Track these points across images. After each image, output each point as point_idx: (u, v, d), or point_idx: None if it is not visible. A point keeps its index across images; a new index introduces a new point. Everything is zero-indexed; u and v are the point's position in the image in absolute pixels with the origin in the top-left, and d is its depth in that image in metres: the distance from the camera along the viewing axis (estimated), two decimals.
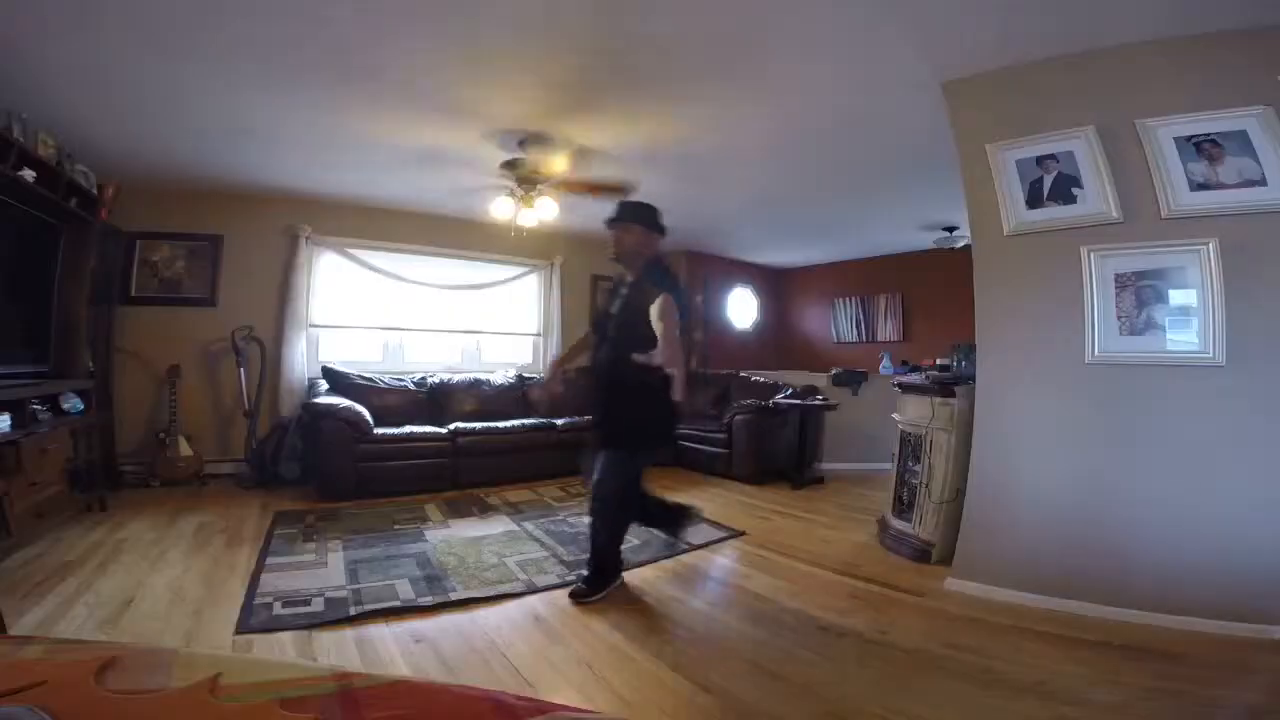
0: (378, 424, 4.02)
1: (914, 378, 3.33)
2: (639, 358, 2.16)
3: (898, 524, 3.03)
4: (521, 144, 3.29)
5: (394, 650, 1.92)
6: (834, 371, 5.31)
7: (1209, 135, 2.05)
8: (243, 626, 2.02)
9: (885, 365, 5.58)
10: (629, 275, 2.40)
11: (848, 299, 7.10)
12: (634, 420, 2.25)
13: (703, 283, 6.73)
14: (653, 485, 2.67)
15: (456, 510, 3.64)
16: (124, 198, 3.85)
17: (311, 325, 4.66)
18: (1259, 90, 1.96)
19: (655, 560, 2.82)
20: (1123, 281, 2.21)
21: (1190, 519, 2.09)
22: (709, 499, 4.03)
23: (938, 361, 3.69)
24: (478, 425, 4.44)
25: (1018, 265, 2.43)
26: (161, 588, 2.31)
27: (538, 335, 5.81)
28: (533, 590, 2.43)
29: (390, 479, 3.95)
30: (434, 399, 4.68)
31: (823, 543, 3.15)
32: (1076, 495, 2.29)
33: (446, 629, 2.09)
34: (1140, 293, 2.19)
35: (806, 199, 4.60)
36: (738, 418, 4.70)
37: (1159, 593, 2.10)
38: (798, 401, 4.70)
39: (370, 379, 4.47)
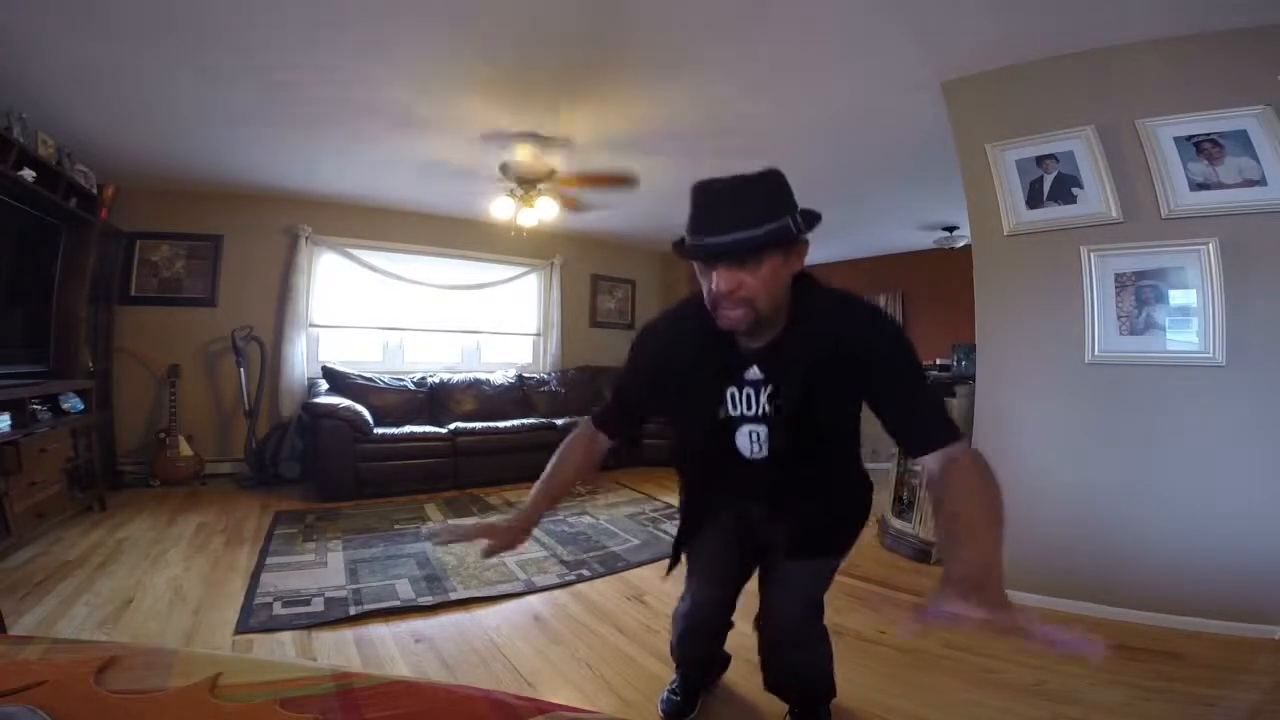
0: (378, 424, 4.02)
1: None
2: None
3: (898, 524, 3.03)
4: (512, 144, 3.30)
5: (394, 650, 1.92)
6: None
7: (1209, 135, 2.05)
8: (242, 626, 2.02)
9: None
10: (773, 325, 1.10)
11: None
12: (846, 515, 1.33)
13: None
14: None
15: (456, 510, 3.64)
16: (124, 198, 3.86)
17: (311, 325, 4.66)
18: (1259, 90, 1.96)
19: (655, 560, 2.81)
20: (1123, 281, 2.21)
21: (1190, 519, 2.09)
22: None
23: (938, 361, 3.69)
24: (478, 425, 4.44)
25: (1018, 265, 2.43)
26: (161, 587, 2.31)
27: (537, 335, 5.81)
28: (533, 590, 2.43)
29: (390, 479, 3.95)
30: (434, 399, 4.68)
31: None
32: (1076, 495, 2.28)
33: (446, 629, 2.09)
34: (1140, 293, 2.19)
35: (805, 198, 4.53)
36: None
37: (1159, 593, 2.10)
38: None
39: (370, 379, 4.47)
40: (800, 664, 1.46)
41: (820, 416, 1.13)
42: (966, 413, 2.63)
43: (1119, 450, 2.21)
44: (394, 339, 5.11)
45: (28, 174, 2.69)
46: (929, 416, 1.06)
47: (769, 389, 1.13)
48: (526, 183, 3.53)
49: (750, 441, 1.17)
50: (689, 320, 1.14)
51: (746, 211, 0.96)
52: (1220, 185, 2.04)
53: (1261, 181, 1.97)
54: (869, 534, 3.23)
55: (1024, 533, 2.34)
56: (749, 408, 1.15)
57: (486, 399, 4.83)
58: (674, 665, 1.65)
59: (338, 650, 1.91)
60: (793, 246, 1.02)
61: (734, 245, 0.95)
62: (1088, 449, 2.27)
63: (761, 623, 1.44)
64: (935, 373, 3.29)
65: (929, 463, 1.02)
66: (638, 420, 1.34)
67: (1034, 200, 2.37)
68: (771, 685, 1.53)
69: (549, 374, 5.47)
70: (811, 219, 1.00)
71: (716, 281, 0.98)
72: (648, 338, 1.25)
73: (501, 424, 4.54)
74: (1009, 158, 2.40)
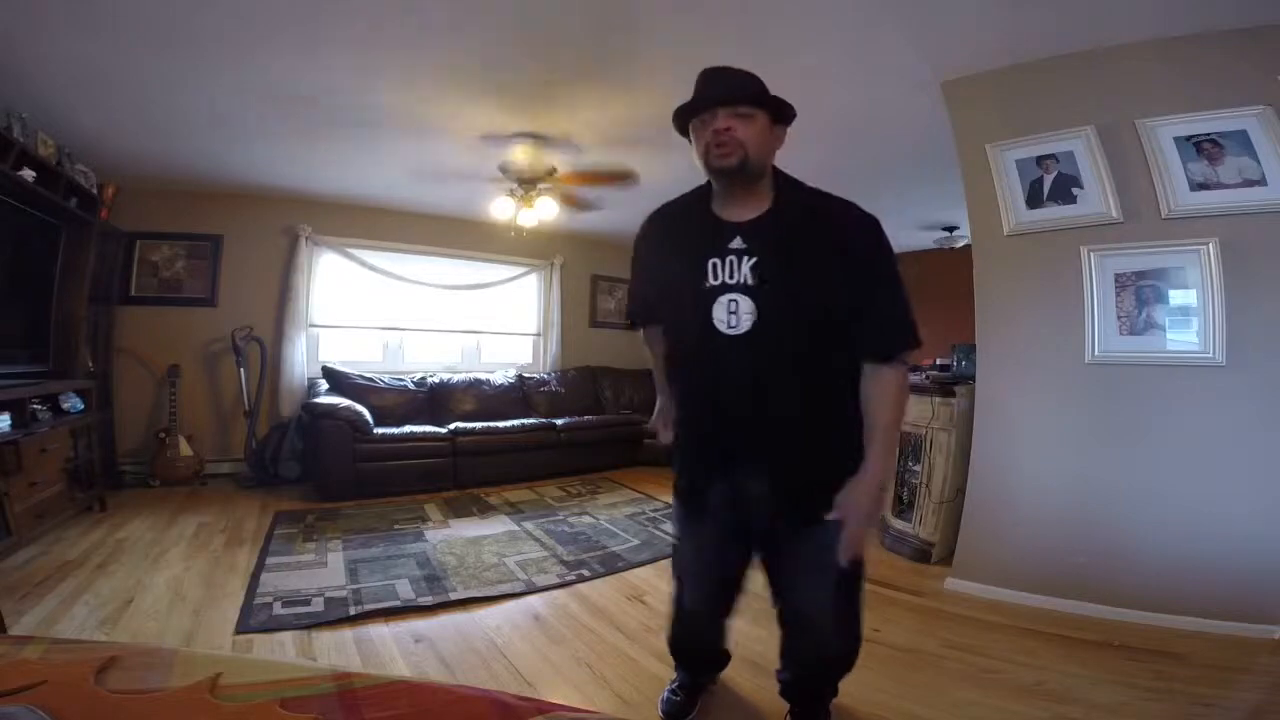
0: (378, 424, 4.02)
1: (914, 377, 3.34)
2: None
3: (898, 524, 3.03)
4: (511, 144, 3.30)
5: (394, 650, 1.93)
6: None
7: (1209, 135, 2.04)
8: (242, 626, 2.02)
9: None
10: (758, 202, 1.23)
11: None
12: (843, 453, 1.24)
13: None
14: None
15: (456, 510, 3.64)
16: (124, 198, 3.86)
17: (311, 325, 4.66)
18: (1259, 90, 1.96)
19: (655, 560, 2.81)
20: (1123, 281, 2.21)
21: (1190, 519, 2.09)
22: None
23: (938, 361, 3.69)
24: (478, 425, 4.44)
25: (1018, 265, 2.43)
26: (161, 588, 2.31)
27: (537, 335, 5.81)
28: (533, 590, 2.43)
29: (390, 479, 3.95)
30: (434, 399, 4.68)
31: None
32: (1076, 495, 2.28)
33: (446, 629, 2.09)
34: (1140, 293, 2.19)
35: None
36: None
37: (1159, 593, 2.10)
38: None
39: (370, 379, 4.46)
40: (835, 647, 1.40)
41: (799, 289, 1.17)
42: (966, 413, 2.63)
43: (1119, 450, 2.21)
44: (394, 339, 5.11)
45: (28, 174, 2.69)
46: (887, 326, 1.21)
47: (751, 260, 1.19)
48: (526, 182, 3.52)
49: (727, 313, 1.19)
50: (678, 204, 1.35)
51: (745, 79, 1.20)
52: (1220, 185, 2.04)
53: (1261, 181, 1.97)
54: (868, 533, 3.21)
55: (1024, 532, 2.36)
56: (730, 276, 1.20)
57: (486, 399, 4.83)
58: (673, 661, 1.65)
59: (338, 650, 1.91)
60: (779, 115, 1.22)
61: (734, 87, 1.17)
62: (1087, 449, 2.27)
63: (784, 617, 1.40)
64: (935, 372, 3.29)
65: (866, 367, 1.21)
66: (654, 311, 1.44)
67: (1034, 200, 2.37)
68: (789, 671, 1.48)
69: (549, 374, 5.47)
70: (790, 111, 1.24)
71: (717, 122, 1.15)
72: (646, 224, 1.41)
73: (501, 424, 4.54)
74: (1009, 158, 2.40)
